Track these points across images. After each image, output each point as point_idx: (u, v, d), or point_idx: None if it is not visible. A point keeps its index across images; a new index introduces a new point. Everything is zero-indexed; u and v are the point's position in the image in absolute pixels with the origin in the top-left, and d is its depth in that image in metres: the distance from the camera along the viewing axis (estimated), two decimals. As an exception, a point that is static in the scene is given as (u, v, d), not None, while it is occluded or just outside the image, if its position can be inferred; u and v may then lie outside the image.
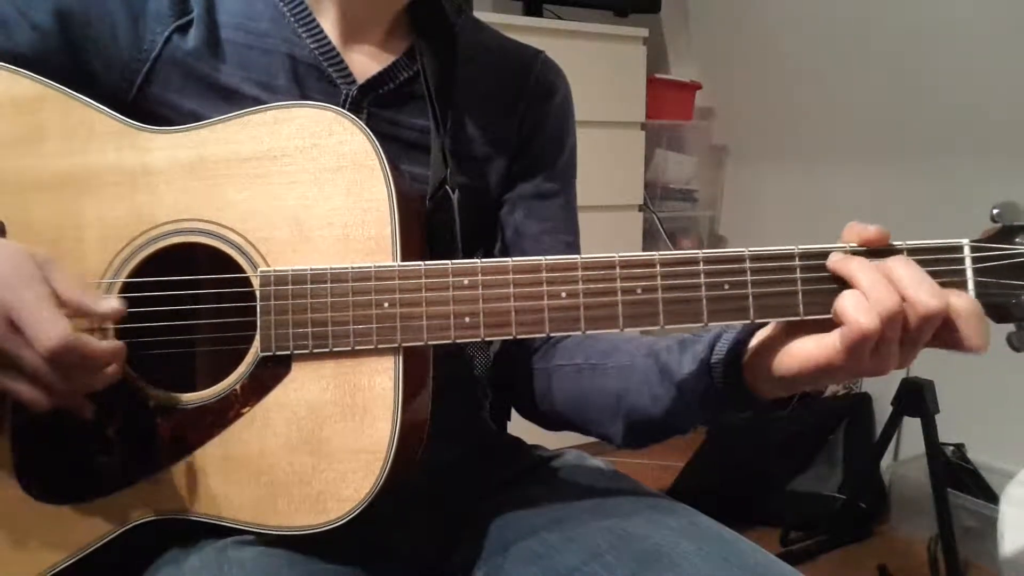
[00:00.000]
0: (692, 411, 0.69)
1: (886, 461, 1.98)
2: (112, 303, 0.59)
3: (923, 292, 0.54)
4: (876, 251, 0.57)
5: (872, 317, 0.53)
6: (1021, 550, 1.09)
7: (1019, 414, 1.84)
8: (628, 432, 0.74)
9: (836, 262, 0.57)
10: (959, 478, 1.83)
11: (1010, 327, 0.58)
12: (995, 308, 0.58)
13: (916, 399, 1.62)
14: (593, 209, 2.14)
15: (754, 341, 0.63)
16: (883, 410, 2.00)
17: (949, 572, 1.59)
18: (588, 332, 0.59)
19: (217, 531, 0.61)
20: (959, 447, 1.90)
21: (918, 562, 1.77)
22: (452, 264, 0.60)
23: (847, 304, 0.55)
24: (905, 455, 2.05)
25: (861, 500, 1.90)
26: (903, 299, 0.54)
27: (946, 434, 1.68)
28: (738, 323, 0.61)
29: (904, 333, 0.55)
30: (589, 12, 2.45)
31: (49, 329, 0.54)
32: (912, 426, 1.68)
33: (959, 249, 0.58)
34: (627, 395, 0.72)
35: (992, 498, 1.76)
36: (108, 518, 0.62)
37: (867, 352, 0.55)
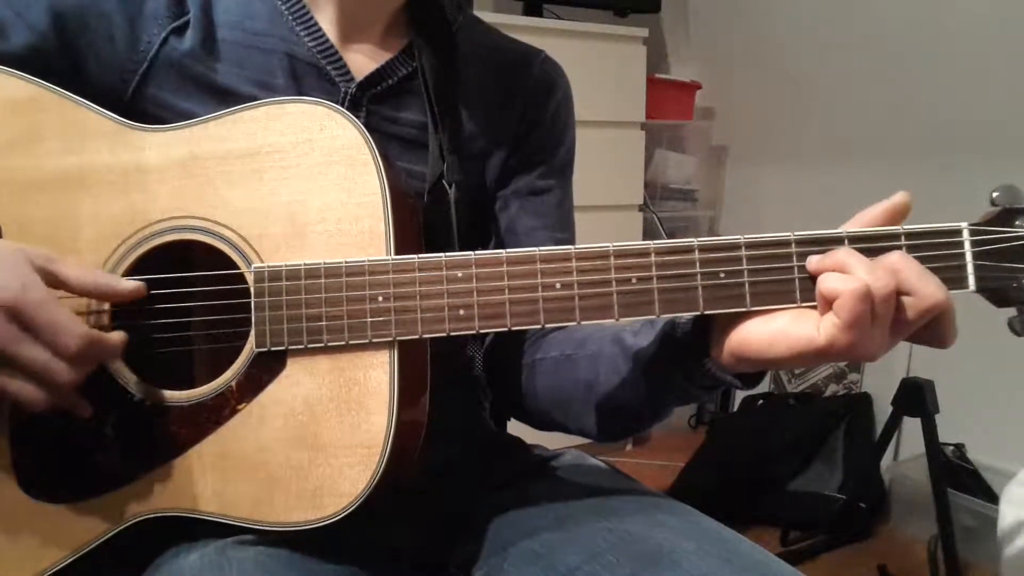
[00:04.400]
0: (659, 383, 0.67)
1: (886, 461, 1.97)
2: (133, 283, 0.60)
3: (931, 284, 0.53)
4: (874, 246, 0.57)
5: (863, 288, 0.52)
6: (1021, 550, 1.09)
7: (1019, 414, 1.83)
8: (602, 421, 0.73)
9: (820, 260, 0.56)
10: (959, 478, 1.82)
11: (1011, 311, 0.57)
12: (995, 292, 0.57)
13: (916, 399, 1.61)
14: (593, 209, 2.15)
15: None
16: (883, 410, 1.99)
17: (949, 572, 1.58)
18: (583, 323, 0.59)
19: (217, 529, 0.61)
20: (959, 447, 1.89)
21: (918, 562, 1.76)
22: (446, 257, 0.60)
23: (834, 282, 0.54)
24: (905, 455, 2.05)
25: (861, 500, 1.90)
26: (908, 292, 0.54)
27: (946, 434, 1.67)
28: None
29: (899, 315, 0.54)
30: (589, 12, 2.45)
31: (73, 329, 0.55)
32: (912, 426, 1.68)
33: (958, 233, 0.57)
34: (596, 383, 0.72)
35: (992, 498, 1.75)
36: (106, 516, 0.62)
37: (865, 330, 0.53)
